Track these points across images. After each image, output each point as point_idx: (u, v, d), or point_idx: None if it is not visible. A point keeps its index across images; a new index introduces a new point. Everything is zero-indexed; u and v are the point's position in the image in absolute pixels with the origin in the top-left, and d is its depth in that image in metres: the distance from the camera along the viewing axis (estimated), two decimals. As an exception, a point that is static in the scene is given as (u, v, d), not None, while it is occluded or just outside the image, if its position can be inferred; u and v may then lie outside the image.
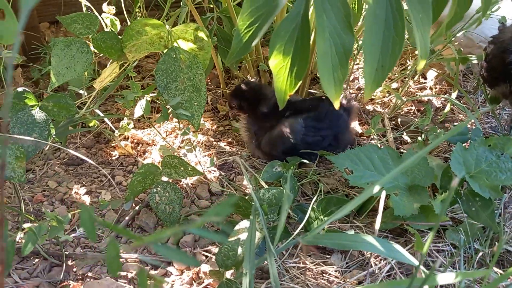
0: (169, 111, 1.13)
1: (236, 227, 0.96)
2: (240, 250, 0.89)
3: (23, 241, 1.00)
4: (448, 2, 0.86)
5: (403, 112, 1.52)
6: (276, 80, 0.80)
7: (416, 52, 1.54)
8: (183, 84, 1.13)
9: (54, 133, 1.03)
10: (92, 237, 0.39)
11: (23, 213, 1.00)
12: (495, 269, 0.92)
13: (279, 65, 0.79)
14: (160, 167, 1.11)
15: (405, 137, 1.41)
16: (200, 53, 1.15)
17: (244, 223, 0.97)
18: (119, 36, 1.15)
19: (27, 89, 1.05)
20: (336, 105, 0.79)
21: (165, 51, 1.12)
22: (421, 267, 0.83)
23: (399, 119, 1.46)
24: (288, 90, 0.81)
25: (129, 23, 1.42)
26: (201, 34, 1.12)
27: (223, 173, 1.29)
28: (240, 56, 0.81)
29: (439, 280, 0.57)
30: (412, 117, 1.48)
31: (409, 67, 1.55)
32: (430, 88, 1.62)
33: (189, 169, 1.10)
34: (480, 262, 0.96)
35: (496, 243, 0.98)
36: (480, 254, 0.95)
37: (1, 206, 0.33)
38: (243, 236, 0.93)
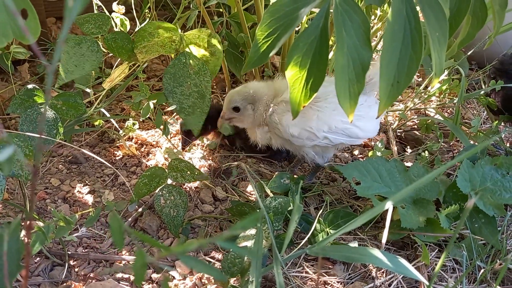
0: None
1: (242, 234, 0.96)
2: (246, 258, 0.89)
3: (26, 238, 1.00)
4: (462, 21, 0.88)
5: (408, 123, 1.53)
6: (291, 91, 0.81)
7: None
8: (189, 89, 1.13)
9: (62, 132, 1.02)
10: (119, 245, 0.39)
11: (27, 211, 0.99)
12: (498, 287, 0.93)
13: (295, 76, 0.79)
14: (166, 170, 1.11)
15: (408, 149, 1.42)
16: (211, 59, 1.15)
17: (250, 230, 0.97)
18: (131, 37, 1.15)
19: (37, 87, 1.05)
20: (350, 118, 0.79)
21: (176, 56, 1.13)
22: (424, 280, 0.84)
23: (403, 135, 1.47)
24: (302, 102, 0.81)
25: (138, 23, 1.43)
26: (214, 41, 1.12)
27: (227, 179, 1.29)
28: (256, 66, 0.82)
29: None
30: (417, 131, 1.49)
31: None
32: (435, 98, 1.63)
33: (196, 173, 1.10)
34: (480, 278, 0.97)
35: (498, 260, 0.99)
36: (482, 270, 0.96)
37: (31, 211, 0.33)
38: (249, 243, 0.93)
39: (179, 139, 1.39)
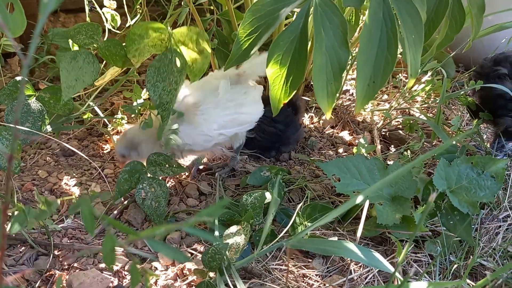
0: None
1: (226, 232, 0.98)
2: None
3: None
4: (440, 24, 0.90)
5: (392, 123, 1.56)
6: (272, 88, 0.83)
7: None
8: (170, 86, 1.13)
9: (47, 124, 1.04)
10: (90, 231, 0.41)
11: (14, 201, 1.00)
12: (468, 281, 0.96)
13: (275, 74, 0.82)
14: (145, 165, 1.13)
15: (392, 148, 1.45)
16: (199, 57, 1.17)
17: (233, 228, 0.99)
18: (123, 43, 1.15)
19: (26, 79, 1.07)
20: (328, 116, 0.82)
21: (162, 51, 1.14)
22: (398, 275, 0.87)
23: (387, 134, 1.50)
24: (282, 99, 0.84)
25: (129, 19, 1.44)
26: (202, 39, 1.14)
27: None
28: (238, 63, 0.84)
29: (413, 288, 0.60)
30: (401, 131, 1.52)
31: (398, 78, 1.60)
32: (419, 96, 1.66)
33: (174, 166, 1.12)
34: (454, 274, 1.00)
35: (471, 256, 1.02)
36: (455, 266, 0.99)
37: (8, 193, 0.35)
38: (231, 241, 0.96)
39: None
